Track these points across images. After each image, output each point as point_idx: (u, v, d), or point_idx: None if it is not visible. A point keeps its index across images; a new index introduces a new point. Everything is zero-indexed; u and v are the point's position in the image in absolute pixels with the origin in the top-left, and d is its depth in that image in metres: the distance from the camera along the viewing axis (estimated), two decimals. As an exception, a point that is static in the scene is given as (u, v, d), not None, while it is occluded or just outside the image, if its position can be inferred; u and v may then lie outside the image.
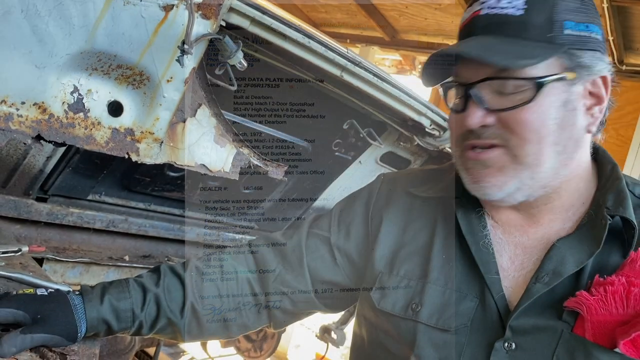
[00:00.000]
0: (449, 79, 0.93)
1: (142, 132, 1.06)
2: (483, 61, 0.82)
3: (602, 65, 0.87)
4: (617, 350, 0.78)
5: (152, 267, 1.08)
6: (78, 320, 0.91)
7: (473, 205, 0.98)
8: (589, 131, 0.89)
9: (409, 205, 1.06)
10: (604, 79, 0.88)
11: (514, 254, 0.93)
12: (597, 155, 0.97)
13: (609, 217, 0.86)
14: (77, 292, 0.96)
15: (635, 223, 0.85)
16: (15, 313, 0.86)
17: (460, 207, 0.98)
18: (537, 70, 0.84)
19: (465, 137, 0.90)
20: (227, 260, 1.10)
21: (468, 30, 0.89)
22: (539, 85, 0.84)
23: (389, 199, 1.09)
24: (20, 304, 0.88)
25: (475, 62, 0.84)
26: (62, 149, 1.36)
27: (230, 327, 1.09)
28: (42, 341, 0.87)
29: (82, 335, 0.93)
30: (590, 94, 0.88)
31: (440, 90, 0.96)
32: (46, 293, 0.92)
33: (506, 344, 0.86)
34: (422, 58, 4.73)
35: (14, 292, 0.90)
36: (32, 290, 0.92)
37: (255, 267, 1.11)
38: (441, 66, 0.90)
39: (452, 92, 0.93)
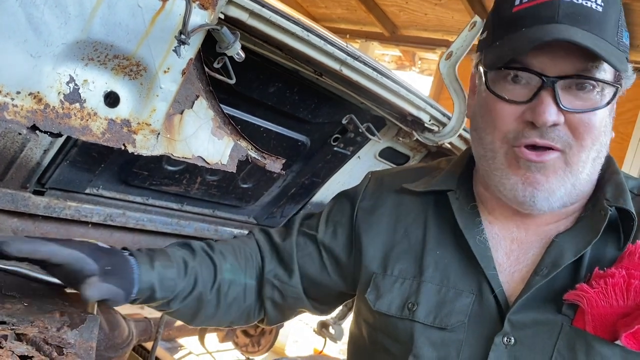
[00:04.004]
0: (510, 65, 0.83)
1: (138, 124, 1.05)
2: (608, 62, 0.76)
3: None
4: (618, 342, 0.78)
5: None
6: (134, 280, 0.91)
7: (467, 199, 0.97)
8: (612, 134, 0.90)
9: (397, 203, 1.05)
10: None
11: (509, 249, 0.93)
12: None
13: (608, 208, 0.86)
14: (127, 253, 0.95)
15: (635, 215, 0.85)
16: (86, 260, 0.85)
17: (456, 201, 0.97)
18: (609, 73, 0.81)
19: (521, 133, 0.84)
20: (242, 247, 1.12)
21: (545, 13, 0.80)
22: (617, 89, 0.82)
23: (376, 198, 1.08)
24: (91, 252, 0.86)
25: (561, 54, 0.78)
26: (60, 142, 1.36)
27: (239, 310, 1.11)
28: (114, 294, 0.86)
29: (134, 296, 0.92)
30: None
31: (481, 71, 0.88)
32: (107, 247, 0.91)
33: (505, 339, 0.85)
34: (422, 54, 4.73)
35: (78, 239, 0.90)
36: (94, 240, 0.92)
37: (259, 256, 1.13)
38: (508, 48, 0.82)
39: (503, 78, 0.85)
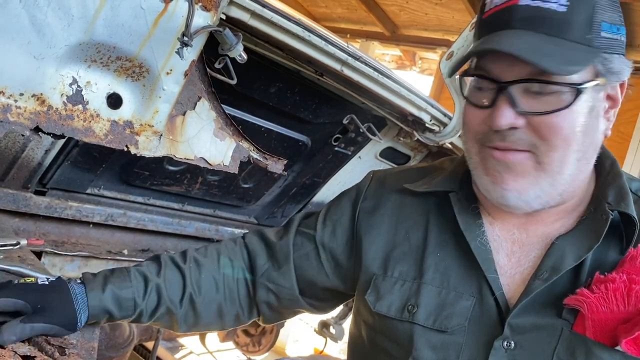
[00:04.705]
0: (473, 71, 0.87)
1: (141, 125, 1.05)
2: (538, 66, 0.77)
3: (627, 70, 0.84)
4: (618, 348, 0.77)
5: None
6: (78, 310, 0.92)
7: (469, 201, 0.97)
8: (605, 135, 0.88)
9: (399, 203, 1.04)
10: (622, 82, 0.86)
11: (510, 251, 0.92)
12: None
13: (610, 212, 0.86)
14: (79, 281, 0.96)
15: (637, 220, 0.84)
16: (16, 302, 0.87)
17: (458, 202, 0.96)
18: (576, 75, 0.80)
19: (487, 136, 0.86)
20: (224, 252, 1.11)
21: (501, 19, 0.82)
22: (578, 92, 0.80)
23: (378, 198, 1.07)
24: (21, 294, 0.88)
25: (512, 59, 0.79)
26: (61, 142, 1.36)
27: (225, 318, 1.10)
28: (41, 330, 0.87)
29: (82, 324, 0.93)
30: (608, 97, 0.86)
31: (457, 78, 0.93)
32: (47, 282, 0.92)
33: (505, 343, 0.85)
34: (423, 53, 4.72)
35: (16, 281, 0.91)
36: (33, 279, 0.92)
37: (248, 260, 1.12)
38: (463, 57, 0.84)
39: (472, 84, 0.88)
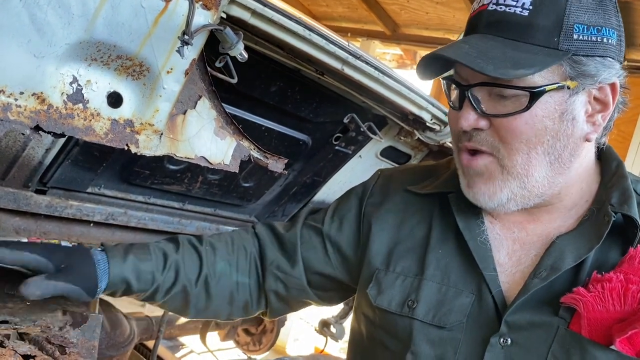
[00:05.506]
0: (449, 73, 0.91)
1: (141, 124, 1.05)
2: (475, 70, 0.78)
3: (611, 73, 0.83)
4: (613, 347, 0.78)
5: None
6: (99, 275, 0.92)
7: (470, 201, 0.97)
8: (587, 140, 0.87)
9: (405, 201, 1.06)
10: (612, 85, 0.84)
11: (511, 250, 0.93)
12: (601, 151, 0.96)
13: (612, 214, 0.86)
14: (100, 248, 0.96)
15: (639, 222, 0.84)
16: (39, 260, 0.87)
17: (457, 202, 0.97)
18: (535, 78, 0.80)
19: (460, 136, 0.90)
20: (237, 239, 1.13)
21: (473, 25, 0.86)
22: (534, 94, 0.80)
23: (384, 195, 1.09)
24: (45, 252, 0.88)
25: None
26: (62, 141, 1.36)
27: (234, 304, 1.11)
28: (64, 291, 0.87)
29: (102, 290, 0.94)
30: (596, 99, 0.85)
31: (443, 83, 0.95)
32: (70, 245, 0.93)
33: (502, 340, 0.86)
34: (424, 52, 4.72)
35: (40, 241, 0.91)
36: (57, 241, 0.93)
37: (259, 248, 1.14)
38: (440, 60, 0.87)
39: (452, 86, 0.92)
